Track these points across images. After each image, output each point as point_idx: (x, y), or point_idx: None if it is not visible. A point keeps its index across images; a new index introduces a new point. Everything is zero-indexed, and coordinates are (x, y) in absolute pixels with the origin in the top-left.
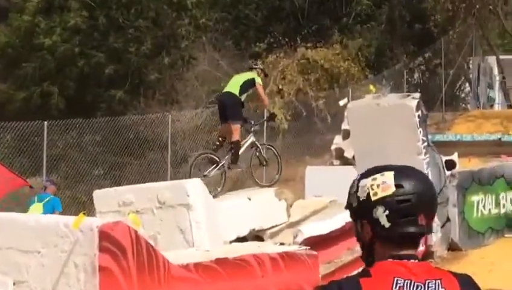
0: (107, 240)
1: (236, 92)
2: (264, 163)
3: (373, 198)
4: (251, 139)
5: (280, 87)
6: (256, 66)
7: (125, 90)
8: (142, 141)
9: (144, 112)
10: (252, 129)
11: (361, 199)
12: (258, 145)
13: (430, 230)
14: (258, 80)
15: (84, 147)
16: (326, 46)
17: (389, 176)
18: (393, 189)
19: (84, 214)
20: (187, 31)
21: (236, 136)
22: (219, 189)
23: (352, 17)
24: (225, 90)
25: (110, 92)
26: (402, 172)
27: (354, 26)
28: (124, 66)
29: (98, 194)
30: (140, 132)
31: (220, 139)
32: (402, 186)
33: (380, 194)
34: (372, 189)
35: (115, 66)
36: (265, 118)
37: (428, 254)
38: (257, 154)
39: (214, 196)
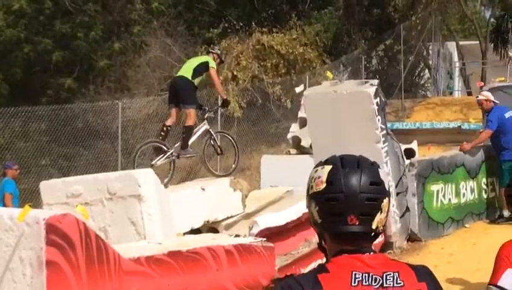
0: (54, 233)
1: (189, 75)
2: (219, 152)
3: (309, 192)
4: (204, 126)
5: (235, 73)
6: (213, 51)
7: (74, 78)
8: (91, 130)
9: (93, 100)
10: (206, 116)
11: (307, 190)
12: (212, 133)
13: (369, 230)
14: (212, 64)
15: (30, 136)
16: (283, 31)
17: (326, 170)
18: (324, 185)
19: (30, 206)
20: (139, 16)
21: (190, 121)
22: (166, 179)
23: (310, 1)
24: (178, 74)
25: (57, 80)
26: (343, 167)
27: (311, 11)
28: (72, 52)
29: (45, 185)
30: (89, 121)
31: (165, 128)
32: (332, 184)
33: (314, 189)
34: (312, 182)
35: (62, 52)
36: (219, 104)
37: (387, 245)
38: (211, 142)
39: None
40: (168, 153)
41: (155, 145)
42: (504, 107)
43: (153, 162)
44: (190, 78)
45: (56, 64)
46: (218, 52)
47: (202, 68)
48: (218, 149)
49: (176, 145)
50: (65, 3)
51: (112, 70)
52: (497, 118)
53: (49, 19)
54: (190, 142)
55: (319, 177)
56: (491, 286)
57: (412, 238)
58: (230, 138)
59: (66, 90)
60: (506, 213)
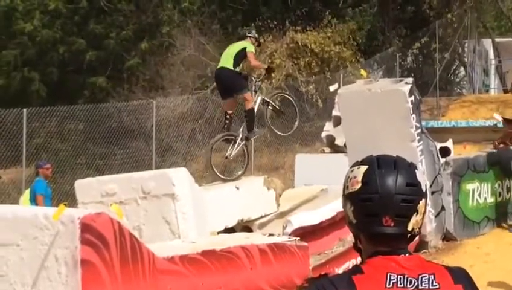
0: (88, 232)
1: (230, 65)
2: (281, 113)
3: (345, 192)
4: (259, 98)
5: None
6: (250, 34)
7: (107, 76)
8: (125, 129)
9: (128, 99)
10: (256, 88)
11: (343, 190)
12: (268, 100)
13: (404, 232)
14: (250, 48)
15: (66, 136)
16: (317, 29)
17: (362, 171)
18: (359, 185)
19: (65, 205)
20: (169, 16)
21: (249, 104)
22: (240, 172)
23: None
24: (219, 65)
25: (91, 79)
26: (379, 167)
27: (345, 9)
28: (104, 52)
29: (80, 184)
30: (124, 120)
31: (227, 116)
32: (367, 184)
33: (349, 189)
34: (348, 182)
35: (96, 52)
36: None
37: (422, 244)
38: (270, 108)
39: (242, 173)
40: (238, 141)
41: (224, 138)
42: None
43: (227, 155)
44: (232, 67)
45: (89, 63)
46: (256, 35)
47: (242, 54)
48: (280, 111)
49: (241, 129)
50: (100, 3)
51: (145, 68)
52: None
53: (84, 18)
54: (254, 122)
55: (355, 177)
56: None
57: (447, 237)
58: (286, 96)
59: (100, 90)
60: None
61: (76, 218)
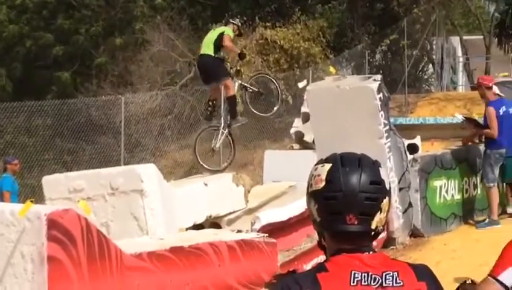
0: (55, 228)
1: (211, 51)
2: (260, 94)
3: (309, 190)
4: (237, 83)
5: (238, 68)
6: (233, 21)
7: (75, 72)
8: (94, 124)
9: (97, 95)
10: (232, 74)
11: (307, 188)
12: (244, 84)
13: (368, 230)
14: (228, 32)
15: (34, 132)
16: (286, 26)
17: (326, 169)
18: (323, 183)
19: (31, 201)
20: (141, 11)
21: (231, 91)
22: (226, 163)
23: None
24: (201, 52)
25: (58, 74)
26: (343, 165)
27: (314, 6)
28: (72, 47)
29: (48, 180)
30: (93, 115)
31: (210, 103)
32: (331, 182)
33: (313, 187)
34: (312, 180)
35: (64, 47)
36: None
37: (390, 241)
38: (250, 90)
39: (230, 162)
40: (221, 130)
41: (208, 130)
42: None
43: (213, 146)
44: (213, 54)
45: (57, 58)
46: (239, 23)
47: (221, 39)
48: (259, 92)
49: (222, 118)
50: None
51: (114, 64)
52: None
53: (52, 13)
54: (236, 108)
55: (319, 175)
56: (490, 278)
57: (414, 234)
58: (264, 76)
59: (68, 85)
60: (510, 209)
61: (42, 214)
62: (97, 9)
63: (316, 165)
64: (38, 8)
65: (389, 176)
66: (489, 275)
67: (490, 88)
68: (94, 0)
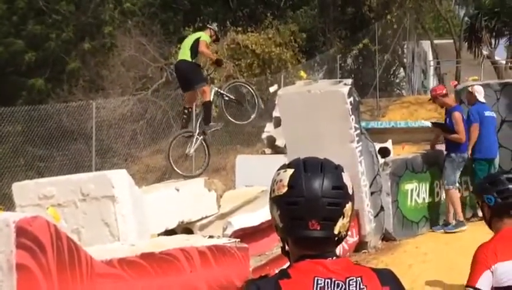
0: (24, 236)
1: (188, 57)
2: (239, 103)
3: (271, 195)
4: (213, 90)
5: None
6: (210, 26)
7: (46, 78)
8: (65, 130)
9: (68, 100)
10: (209, 79)
11: (269, 193)
12: (221, 91)
13: (331, 235)
14: (204, 37)
15: (4, 138)
16: (258, 30)
17: (288, 174)
18: (285, 189)
19: (0, 209)
20: (111, 16)
21: (206, 97)
22: (200, 170)
23: (285, 1)
24: (178, 58)
25: (30, 80)
26: (306, 171)
27: (286, 11)
28: (44, 53)
29: (18, 187)
30: (63, 121)
31: (186, 110)
32: (293, 188)
33: (276, 193)
34: (274, 185)
35: (35, 53)
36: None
37: (362, 244)
38: (226, 98)
39: (205, 168)
40: (196, 136)
41: (183, 136)
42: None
43: (187, 152)
44: (189, 59)
45: (28, 65)
46: (216, 28)
47: (197, 44)
48: (236, 101)
49: (198, 124)
50: (38, 3)
51: (85, 70)
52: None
53: (22, 19)
54: (211, 114)
55: (281, 180)
56: (469, 288)
57: (386, 237)
58: (240, 84)
59: (39, 91)
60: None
61: (11, 222)
62: (68, 15)
63: (278, 170)
64: (7, 14)
65: (361, 179)
66: (466, 286)
67: (446, 95)
68: (64, 5)
